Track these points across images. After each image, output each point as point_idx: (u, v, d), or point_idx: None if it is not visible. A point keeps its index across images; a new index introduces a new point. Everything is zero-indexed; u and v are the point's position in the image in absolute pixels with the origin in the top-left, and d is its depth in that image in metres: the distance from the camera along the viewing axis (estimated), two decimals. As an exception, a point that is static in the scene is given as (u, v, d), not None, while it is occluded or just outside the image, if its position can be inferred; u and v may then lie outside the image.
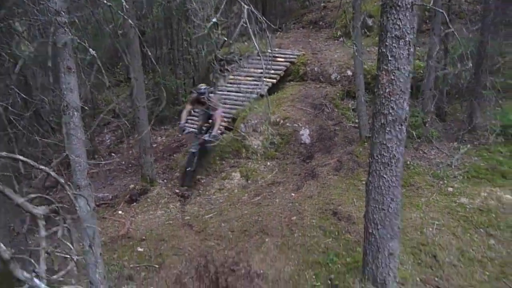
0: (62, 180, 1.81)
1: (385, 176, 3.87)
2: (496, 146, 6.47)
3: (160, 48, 11.08)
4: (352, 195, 5.94)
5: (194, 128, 8.00)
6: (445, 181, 5.92)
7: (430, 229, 5.10)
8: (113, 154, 9.23)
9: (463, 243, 4.87)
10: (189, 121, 8.37)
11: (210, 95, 7.47)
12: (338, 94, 8.51)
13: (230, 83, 9.87)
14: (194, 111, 8.26)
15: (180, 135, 8.38)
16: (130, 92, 8.54)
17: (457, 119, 7.41)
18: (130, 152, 9.30)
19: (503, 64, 7.24)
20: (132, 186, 7.56)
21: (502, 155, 6.27)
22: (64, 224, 1.75)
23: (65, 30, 3.11)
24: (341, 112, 8.15)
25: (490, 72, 6.79)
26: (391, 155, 3.80)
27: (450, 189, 5.75)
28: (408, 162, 6.34)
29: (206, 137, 7.34)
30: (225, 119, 8.53)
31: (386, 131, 3.75)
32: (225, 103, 9.25)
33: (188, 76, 11.17)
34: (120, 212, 7.01)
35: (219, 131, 7.57)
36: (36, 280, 1.64)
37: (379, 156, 3.85)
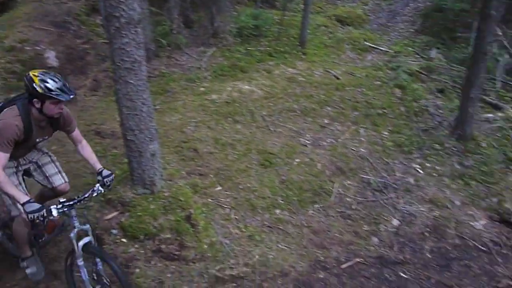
0: None
1: (131, 81, 3.87)
2: (235, 46, 7.33)
3: None
4: (113, 112, 5.82)
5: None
6: (197, 83, 6.46)
7: (189, 127, 5.58)
8: None
9: (217, 133, 5.55)
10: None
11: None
12: (83, 10, 7.80)
13: None
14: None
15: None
16: None
17: (202, 25, 7.95)
18: None
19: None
20: None
21: (240, 53, 7.20)
22: None
23: None
24: (89, 29, 7.56)
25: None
26: (132, 60, 3.79)
27: (202, 89, 6.32)
28: (163, 71, 6.59)
29: (99, 189, 3.20)
30: None
31: (123, 35, 3.68)
32: None
33: None
34: None
35: None
36: None
37: (121, 62, 3.79)
